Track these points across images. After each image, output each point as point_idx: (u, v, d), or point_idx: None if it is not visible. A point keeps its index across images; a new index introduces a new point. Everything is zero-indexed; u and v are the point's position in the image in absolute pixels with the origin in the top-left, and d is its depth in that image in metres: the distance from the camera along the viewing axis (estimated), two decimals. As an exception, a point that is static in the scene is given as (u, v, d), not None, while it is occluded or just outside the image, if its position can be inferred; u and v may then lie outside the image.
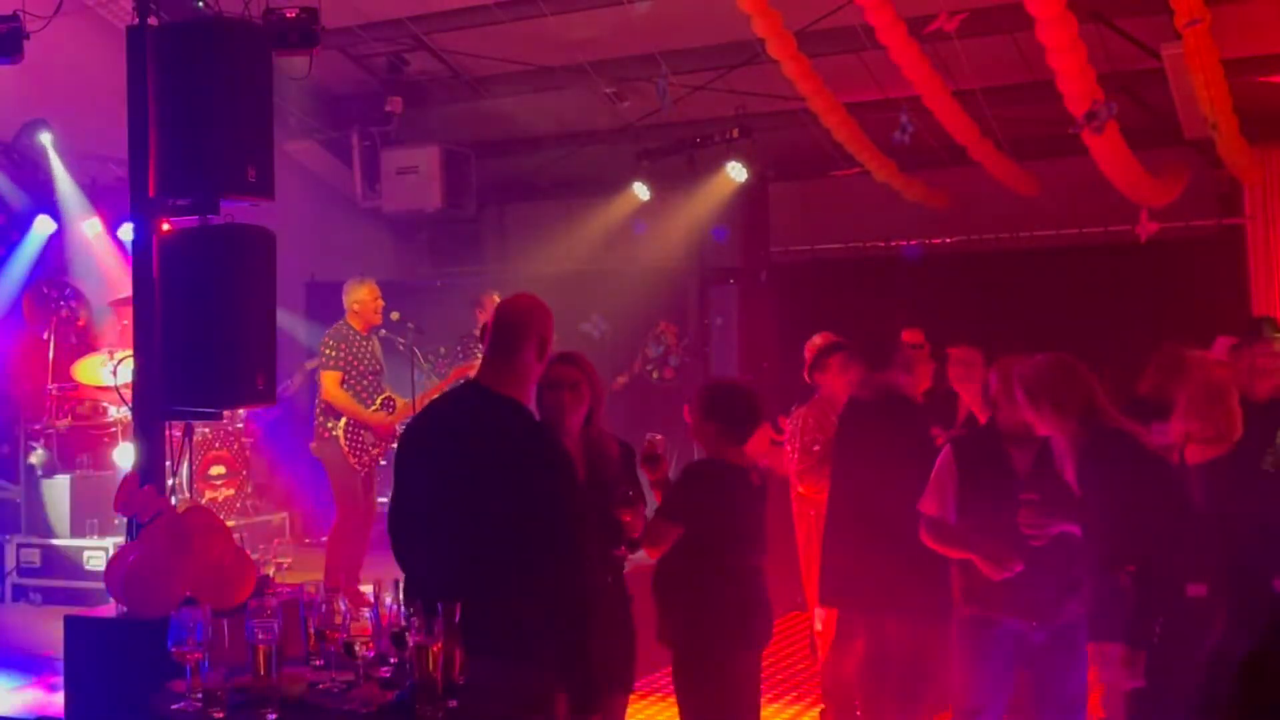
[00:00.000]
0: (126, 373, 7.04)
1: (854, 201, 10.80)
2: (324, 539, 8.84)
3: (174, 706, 3.25)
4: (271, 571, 5.10)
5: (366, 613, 3.35)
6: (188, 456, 5.78)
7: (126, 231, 7.42)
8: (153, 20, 5.53)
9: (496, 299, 8.85)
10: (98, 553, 8.52)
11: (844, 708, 5.98)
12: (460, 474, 3.78)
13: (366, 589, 3.70)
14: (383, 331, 8.30)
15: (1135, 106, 9.18)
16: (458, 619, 3.25)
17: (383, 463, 8.11)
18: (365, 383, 7.99)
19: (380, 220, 11.77)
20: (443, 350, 10.02)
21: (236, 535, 5.72)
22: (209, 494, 9.10)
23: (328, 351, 7.96)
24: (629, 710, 4.87)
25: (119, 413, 8.82)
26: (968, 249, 10.68)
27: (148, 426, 5.44)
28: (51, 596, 8.59)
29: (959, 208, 10.63)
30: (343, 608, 3.38)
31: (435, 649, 3.19)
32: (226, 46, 5.26)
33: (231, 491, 9.42)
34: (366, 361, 8.04)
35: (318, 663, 3.46)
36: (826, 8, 8.07)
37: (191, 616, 3.26)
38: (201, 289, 5.23)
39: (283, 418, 10.73)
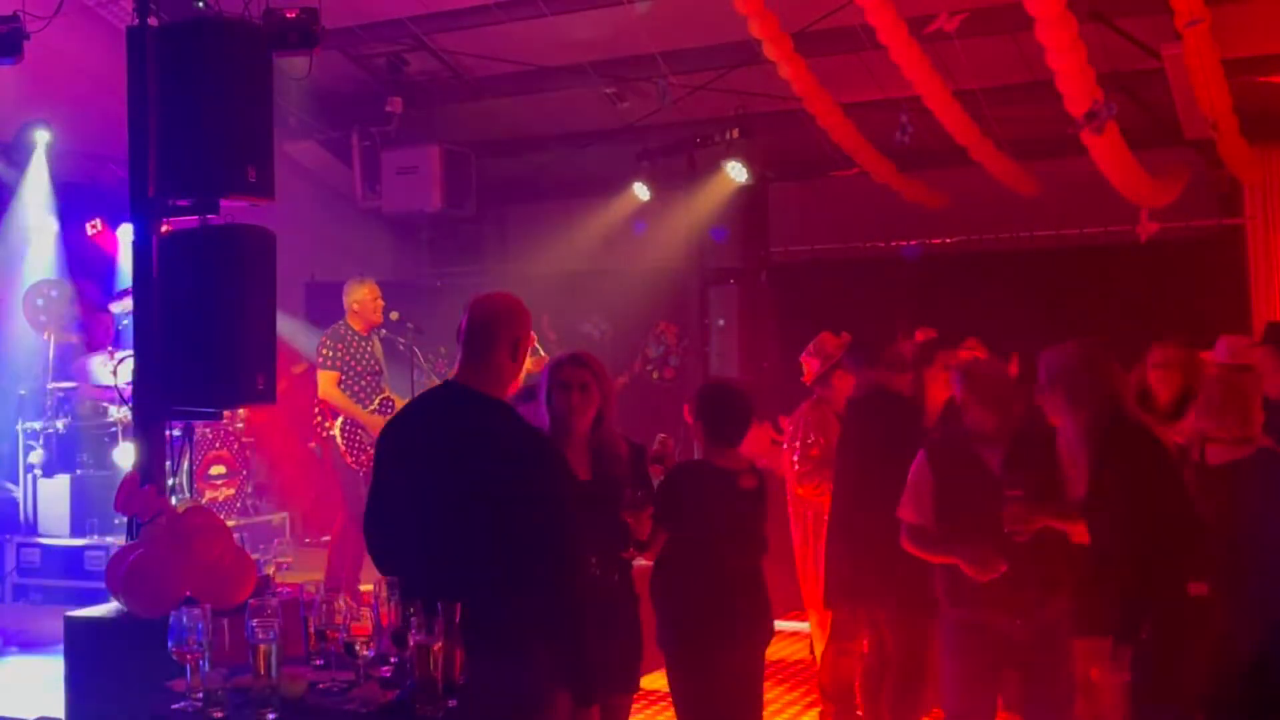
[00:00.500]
0: (126, 373, 7.05)
1: (854, 201, 10.80)
2: (325, 539, 8.84)
3: (174, 706, 3.25)
4: (271, 571, 5.09)
5: (366, 613, 3.35)
6: (188, 456, 5.77)
7: (127, 231, 7.42)
8: (153, 20, 5.52)
9: None
10: (98, 553, 8.53)
11: (845, 709, 5.98)
12: (444, 474, 3.72)
13: (367, 589, 3.69)
14: (383, 332, 8.30)
15: (1135, 106, 9.17)
16: (458, 619, 3.25)
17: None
18: (364, 383, 7.99)
19: (380, 220, 11.77)
20: (443, 350, 10.02)
21: (236, 535, 5.72)
22: (209, 494, 9.10)
23: (324, 352, 7.96)
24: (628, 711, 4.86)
25: (119, 413, 8.83)
26: (968, 249, 10.67)
27: (148, 426, 5.45)
28: (51, 596, 8.59)
29: (959, 208, 10.63)
30: (343, 608, 3.38)
31: (435, 649, 3.19)
32: (226, 46, 5.26)
33: (231, 491, 9.42)
34: (365, 362, 8.03)
35: (318, 663, 3.46)
36: (826, 8, 8.07)
37: (191, 616, 3.26)
38: (201, 289, 5.23)
39: (283, 418, 10.73)
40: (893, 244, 10.91)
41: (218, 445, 9.34)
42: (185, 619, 3.26)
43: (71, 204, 10.15)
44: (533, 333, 8.88)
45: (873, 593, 5.59)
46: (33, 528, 8.94)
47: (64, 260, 10.35)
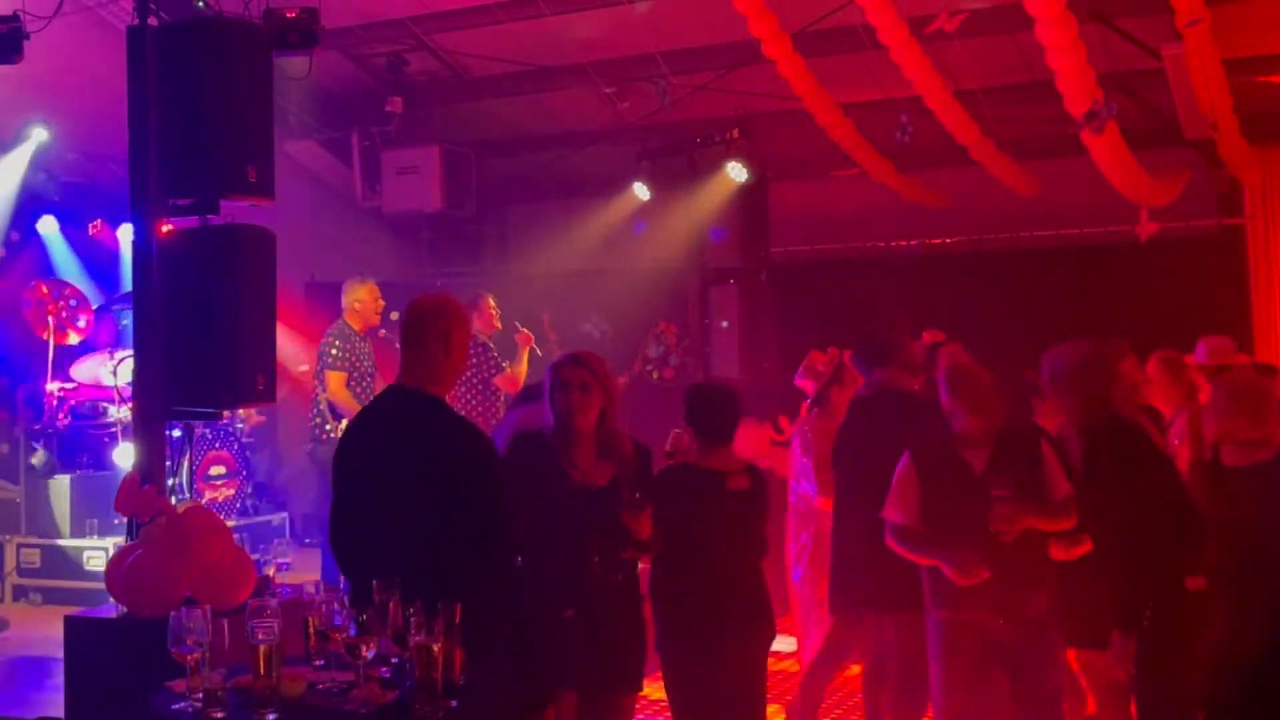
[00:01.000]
0: (126, 373, 7.05)
1: (854, 201, 10.80)
2: (325, 539, 8.82)
3: (174, 706, 3.25)
4: (271, 571, 5.08)
5: (367, 613, 3.35)
6: (188, 456, 5.78)
7: (127, 232, 7.42)
8: (153, 20, 5.53)
9: (491, 301, 8.82)
10: (98, 553, 8.53)
11: (811, 716, 6.01)
12: (383, 476, 3.86)
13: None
14: (382, 332, 8.29)
15: (1135, 106, 9.18)
16: (457, 619, 3.26)
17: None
18: (365, 384, 7.98)
19: (380, 220, 11.76)
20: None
21: (236, 535, 5.72)
22: (209, 494, 9.10)
23: (333, 351, 7.93)
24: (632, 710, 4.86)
25: (119, 413, 8.82)
26: (968, 249, 10.67)
27: (148, 426, 5.45)
28: (51, 596, 8.60)
29: (959, 208, 10.63)
30: (343, 608, 3.38)
31: (435, 649, 3.20)
32: (226, 46, 5.26)
33: (231, 491, 9.42)
34: (365, 363, 8.03)
35: (318, 663, 3.46)
36: (827, 8, 8.06)
37: (191, 616, 3.26)
38: (201, 289, 5.23)
39: (283, 418, 10.74)
40: (893, 244, 10.91)
41: (218, 445, 9.34)
42: (185, 619, 3.26)
43: (71, 204, 10.16)
44: (526, 331, 8.89)
45: (875, 593, 5.55)
46: (32, 528, 8.94)
47: (64, 260, 10.35)
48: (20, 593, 8.79)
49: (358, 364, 7.97)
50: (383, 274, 9.59)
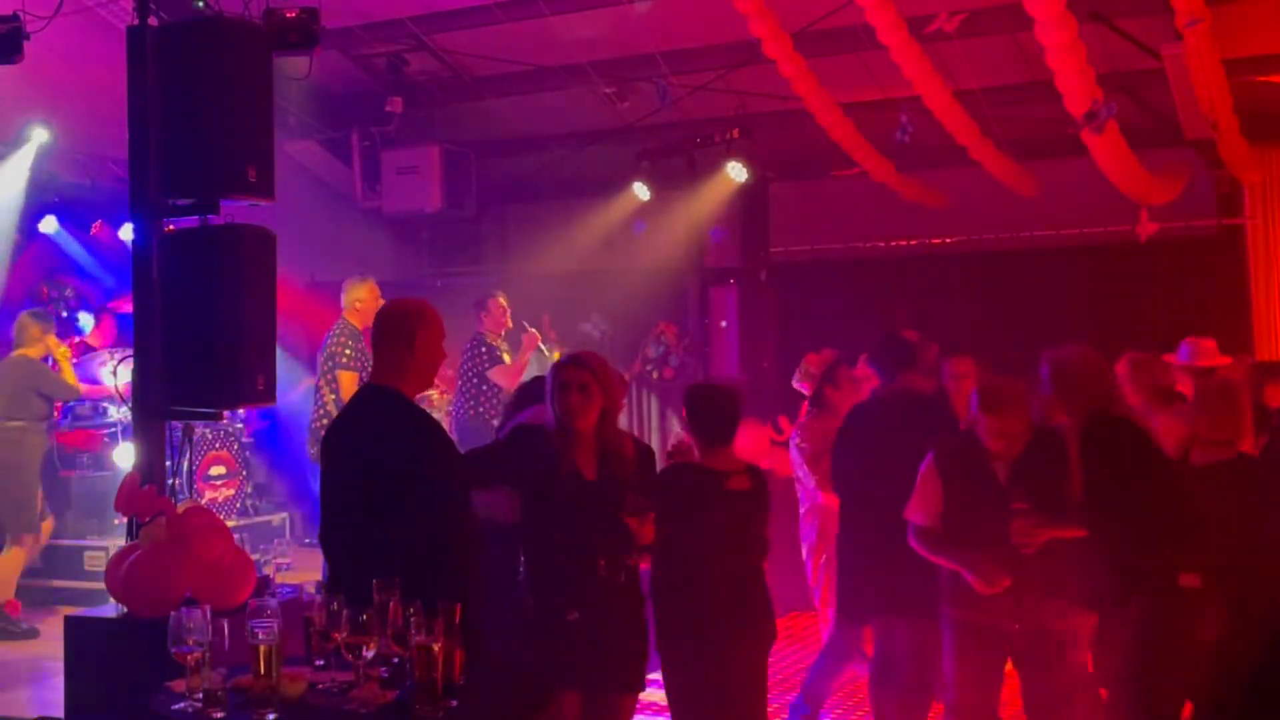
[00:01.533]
0: (126, 373, 7.04)
1: (854, 201, 10.80)
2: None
3: (174, 706, 3.25)
4: (271, 571, 5.09)
5: (367, 613, 3.35)
6: (188, 456, 5.77)
7: (127, 232, 7.42)
8: (153, 20, 5.52)
9: (502, 300, 8.92)
10: (98, 553, 8.53)
11: (814, 714, 6.01)
12: (350, 472, 4.06)
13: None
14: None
15: (1135, 106, 9.18)
16: (458, 619, 3.26)
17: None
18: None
19: (380, 220, 11.76)
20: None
21: (236, 535, 5.72)
22: (209, 494, 9.10)
23: (347, 352, 7.91)
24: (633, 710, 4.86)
25: (119, 413, 8.82)
26: (968, 249, 10.67)
27: (148, 426, 5.44)
28: (51, 596, 8.59)
29: (959, 208, 10.63)
30: (343, 608, 3.38)
31: (435, 649, 3.20)
32: (226, 46, 5.25)
33: (231, 491, 9.43)
34: (370, 363, 8.02)
35: (318, 663, 3.46)
36: (826, 8, 8.06)
37: (191, 616, 3.27)
38: (201, 289, 5.22)
39: (284, 418, 10.73)
40: (893, 244, 10.91)
41: (218, 445, 9.34)
42: (185, 619, 3.26)
43: (72, 204, 10.16)
44: (534, 330, 8.94)
45: (894, 600, 5.51)
46: (33, 528, 8.92)
47: (65, 260, 10.36)
48: (20, 593, 8.78)
49: (367, 364, 7.97)
50: (383, 274, 9.59)
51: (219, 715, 3.18)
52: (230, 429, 9.39)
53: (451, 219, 11.87)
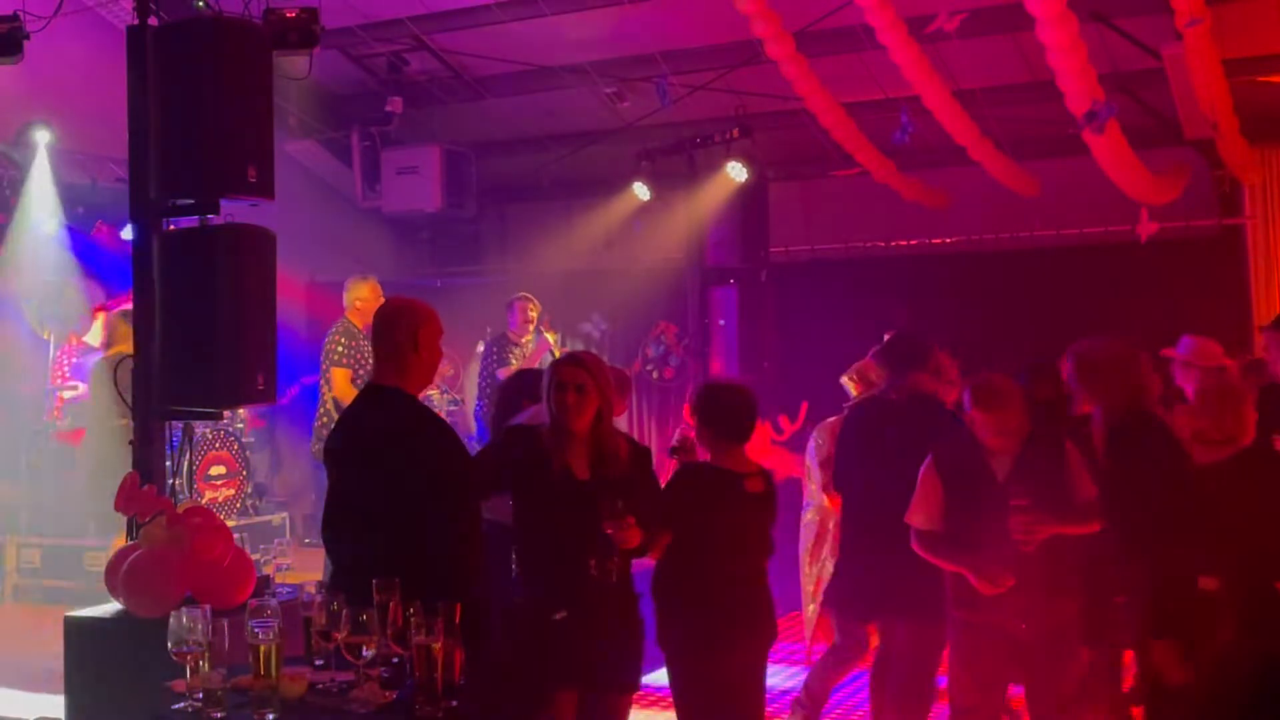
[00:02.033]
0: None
1: (854, 201, 10.80)
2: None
3: (174, 706, 3.25)
4: (271, 571, 5.09)
5: (366, 613, 3.35)
6: (188, 456, 5.77)
7: (128, 232, 7.41)
8: (153, 20, 5.52)
9: (527, 305, 9.08)
10: (98, 553, 8.52)
11: (815, 712, 6.00)
12: (348, 469, 4.12)
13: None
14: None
15: (1135, 106, 9.18)
16: (458, 619, 3.26)
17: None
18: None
19: (380, 220, 11.77)
20: (444, 350, 10.02)
21: (236, 535, 5.72)
22: (209, 494, 9.10)
23: (338, 349, 7.95)
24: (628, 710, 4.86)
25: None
26: (968, 249, 10.67)
27: (148, 426, 5.44)
28: (51, 596, 8.59)
29: (959, 208, 10.63)
30: (343, 607, 3.38)
31: (435, 649, 3.20)
32: (226, 46, 5.25)
33: (231, 491, 9.41)
34: (367, 361, 8.03)
35: (318, 663, 3.46)
36: (826, 8, 8.07)
37: (191, 616, 3.26)
38: (201, 289, 5.22)
39: (284, 418, 10.73)
40: (893, 244, 10.91)
41: (218, 445, 9.33)
42: (185, 619, 3.26)
43: (72, 204, 10.14)
44: (548, 336, 9.03)
45: (896, 602, 5.50)
46: (32, 528, 8.93)
47: (66, 260, 10.34)
48: (20, 593, 8.78)
49: (364, 361, 7.97)
50: (383, 274, 9.59)
51: (219, 715, 3.18)
52: (230, 429, 9.38)
53: (451, 219, 11.88)
